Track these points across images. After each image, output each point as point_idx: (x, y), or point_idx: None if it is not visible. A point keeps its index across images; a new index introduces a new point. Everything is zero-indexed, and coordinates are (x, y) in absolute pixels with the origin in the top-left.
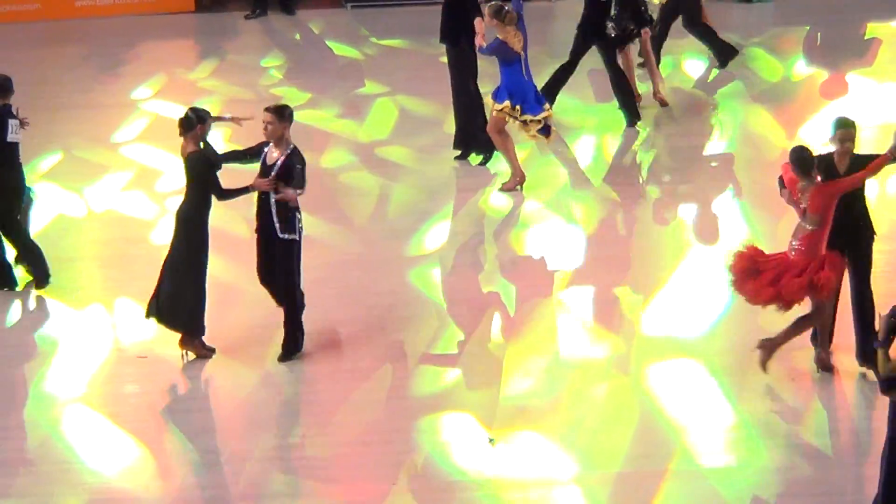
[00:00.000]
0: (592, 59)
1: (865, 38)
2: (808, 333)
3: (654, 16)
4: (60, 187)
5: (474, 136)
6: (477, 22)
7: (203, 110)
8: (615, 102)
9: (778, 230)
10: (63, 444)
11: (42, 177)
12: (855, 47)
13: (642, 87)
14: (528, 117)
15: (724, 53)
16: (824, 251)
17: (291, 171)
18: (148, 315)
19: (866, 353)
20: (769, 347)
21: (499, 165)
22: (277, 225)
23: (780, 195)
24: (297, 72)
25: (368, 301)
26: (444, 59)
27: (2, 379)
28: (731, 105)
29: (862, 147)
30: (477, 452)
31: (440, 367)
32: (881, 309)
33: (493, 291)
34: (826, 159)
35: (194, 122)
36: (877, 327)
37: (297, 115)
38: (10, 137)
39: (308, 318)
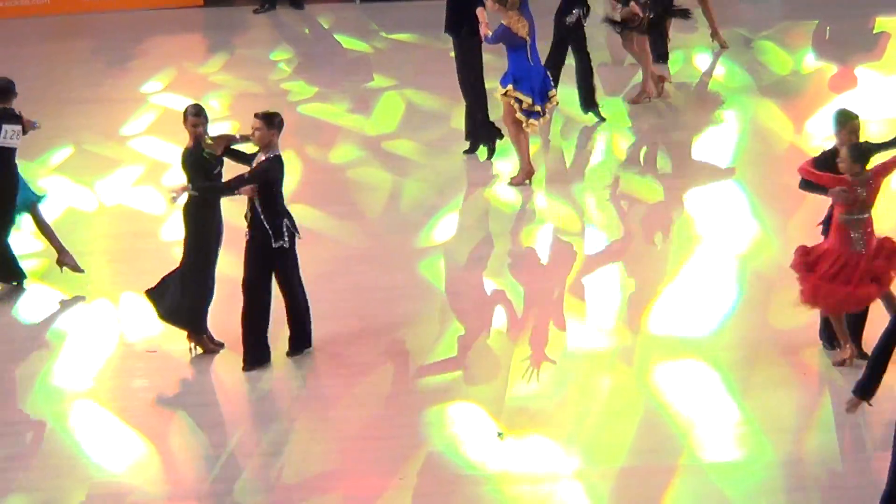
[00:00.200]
0: (601, 53)
1: (874, 32)
2: (816, 329)
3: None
4: (71, 181)
5: (471, 132)
6: (479, 11)
7: (197, 107)
8: (622, 96)
9: (788, 227)
10: (71, 439)
11: (53, 171)
12: (864, 41)
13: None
14: (528, 102)
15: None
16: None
17: (265, 175)
18: (156, 309)
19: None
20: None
21: (501, 161)
22: (271, 234)
23: (802, 192)
24: (306, 66)
25: (376, 295)
26: (453, 54)
27: (10, 373)
28: (740, 99)
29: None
30: (484, 447)
31: (447, 361)
32: None
33: (500, 286)
34: (832, 153)
35: (185, 117)
36: None
37: (305, 109)
38: (3, 142)
39: (315, 313)
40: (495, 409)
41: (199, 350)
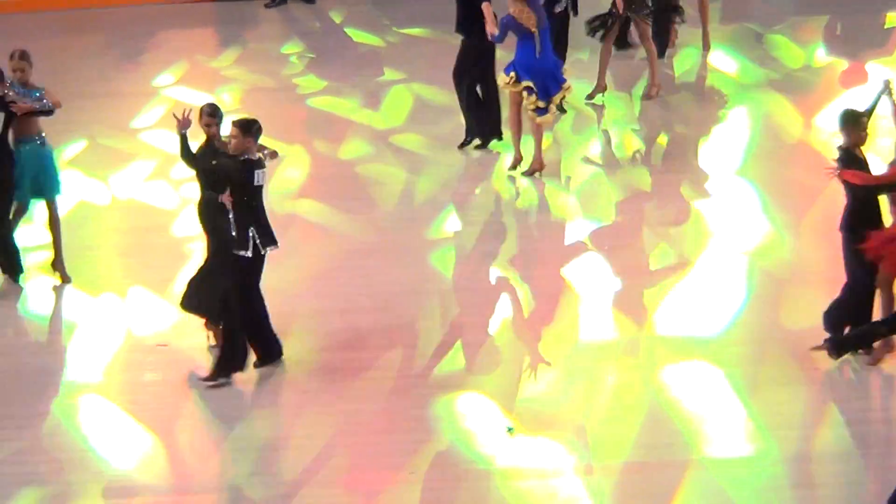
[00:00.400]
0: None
1: (885, 27)
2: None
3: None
4: (84, 175)
5: (471, 127)
6: (485, 6)
7: (213, 106)
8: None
9: (798, 224)
10: (83, 433)
11: (67, 164)
12: (875, 37)
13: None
14: (522, 88)
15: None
16: None
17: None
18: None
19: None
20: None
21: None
22: (235, 240)
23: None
24: (317, 60)
25: (385, 290)
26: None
27: (22, 367)
28: (751, 95)
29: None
30: (493, 441)
31: (456, 355)
32: None
33: (510, 281)
34: (850, 152)
35: (200, 115)
36: None
37: (316, 103)
38: None
39: (324, 307)
40: (504, 404)
41: (214, 341)
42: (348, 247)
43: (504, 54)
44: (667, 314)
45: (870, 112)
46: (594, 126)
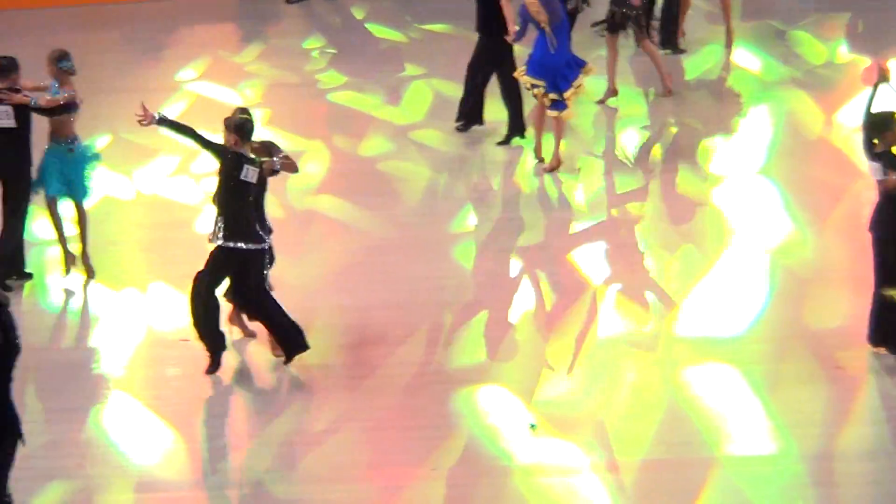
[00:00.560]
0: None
1: None
2: (847, 326)
3: None
4: (109, 170)
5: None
6: (504, 4)
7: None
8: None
9: (821, 222)
10: (106, 427)
11: None
12: None
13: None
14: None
15: None
16: None
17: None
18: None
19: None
20: None
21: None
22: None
23: None
24: (338, 56)
25: (405, 285)
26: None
27: (46, 362)
28: (774, 91)
29: None
30: (515, 437)
31: (477, 351)
32: None
33: (531, 276)
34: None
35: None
36: None
37: (337, 98)
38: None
39: (344, 303)
40: (525, 400)
41: (238, 334)
42: (368, 242)
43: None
44: (688, 312)
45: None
46: (615, 123)
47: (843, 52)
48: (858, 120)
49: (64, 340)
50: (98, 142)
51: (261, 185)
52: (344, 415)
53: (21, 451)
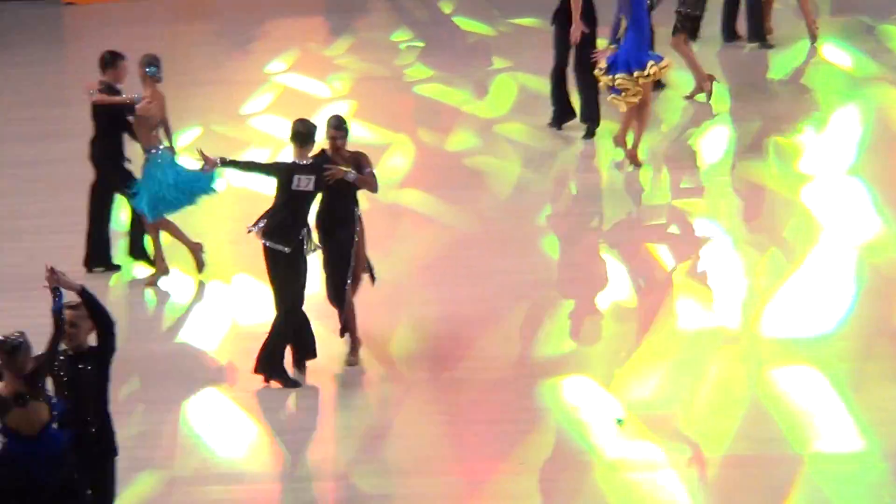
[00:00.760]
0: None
1: None
2: None
3: None
4: (198, 162)
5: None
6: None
7: (338, 119)
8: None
9: None
10: (195, 420)
11: (182, 151)
12: None
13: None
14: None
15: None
16: None
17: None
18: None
19: None
20: None
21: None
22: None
23: None
24: (426, 49)
25: (490, 279)
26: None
27: (135, 354)
28: (865, 88)
29: None
30: (600, 431)
31: (563, 345)
32: None
33: (616, 270)
34: None
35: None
36: None
37: (424, 92)
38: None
39: (430, 296)
40: (612, 394)
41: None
42: (453, 237)
43: None
44: (774, 308)
45: None
46: (702, 118)
47: None
48: None
49: (152, 332)
50: (189, 134)
51: (327, 190)
52: (428, 408)
53: None
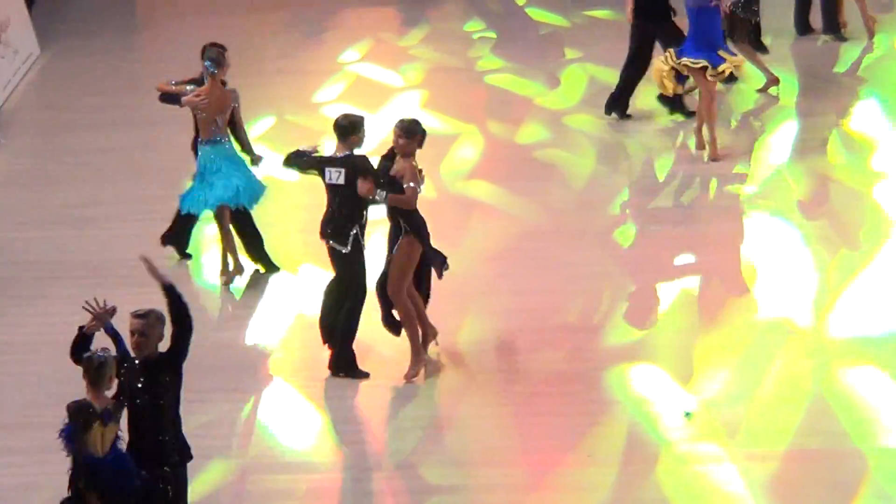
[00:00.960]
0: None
1: None
2: None
3: None
4: (272, 151)
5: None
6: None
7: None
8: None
9: None
10: (261, 409)
11: (257, 140)
12: None
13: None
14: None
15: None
16: None
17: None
18: None
19: None
20: None
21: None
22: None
23: None
24: (498, 40)
25: (559, 271)
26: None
27: (204, 342)
28: None
29: None
30: (668, 424)
31: (631, 337)
32: None
33: (682, 263)
34: None
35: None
36: None
37: (496, 81)
38: None
39: (500, 287)
40: (680, 387)
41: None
42: (522, 228)
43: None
44: (843, 304)
45: None
46: (775, 112)
47: None
48: None
49: (220, 320)
50: (263, 123)
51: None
52: (495, 399)
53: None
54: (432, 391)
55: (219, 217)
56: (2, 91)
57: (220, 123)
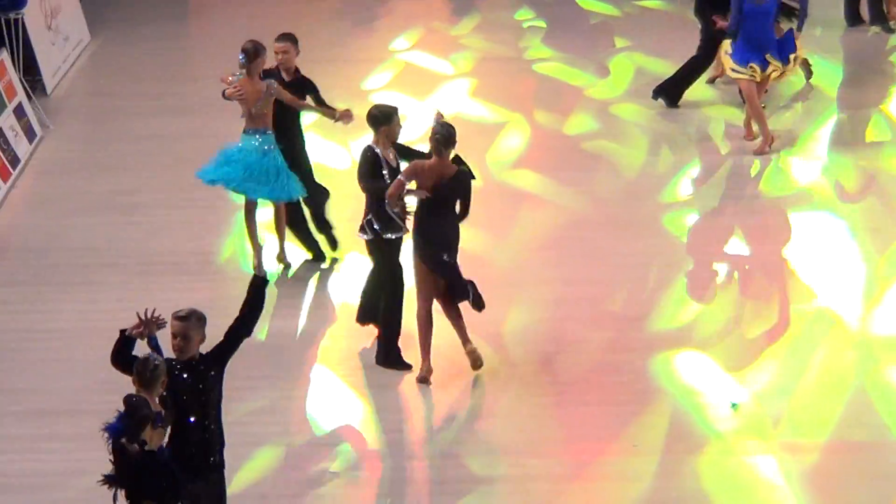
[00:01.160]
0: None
1: None
2: None
3: None
4: (323, 138)
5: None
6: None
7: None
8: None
9: None
10: (307, 398)
11: (307, 128)
12: None
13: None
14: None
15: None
16: None
17: None
18: None
19: None
20: None
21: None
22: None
23: None
24: (548, 29)
25: (606, 261)
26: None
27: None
28: None
29: None
30: (717, 415)
31: (677, 326)
32: None
33: (731, 253)
34: None
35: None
36: None
37: (545, 70)
38: None
39: (547, 276)
40: (727, 375)
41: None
42: (569, 218)
43: None
44: (889, 298)
45: None
46: (830, 106)
47: None
48: None
49: (268, 309)
50: (311, 113)
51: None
52: (540, 389)
53: (228, 418)
54: (475, 380)
55: (276, 208)
56: (52, 78)
57: (253, 114)
